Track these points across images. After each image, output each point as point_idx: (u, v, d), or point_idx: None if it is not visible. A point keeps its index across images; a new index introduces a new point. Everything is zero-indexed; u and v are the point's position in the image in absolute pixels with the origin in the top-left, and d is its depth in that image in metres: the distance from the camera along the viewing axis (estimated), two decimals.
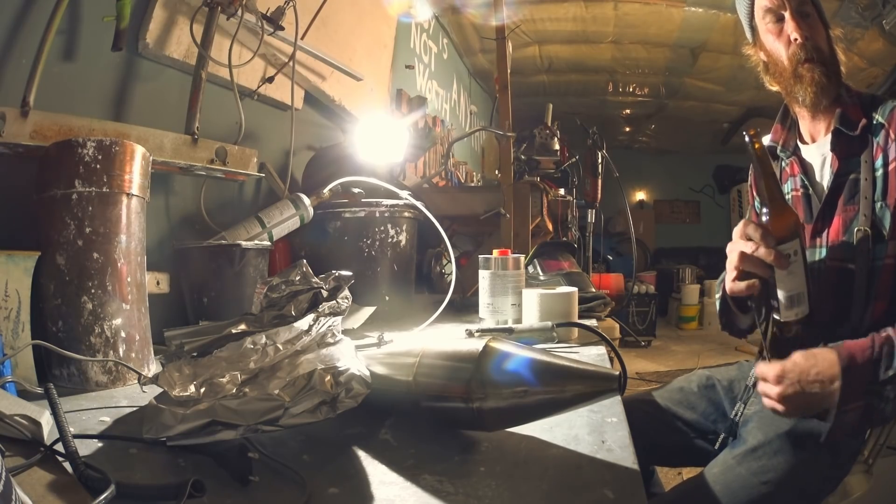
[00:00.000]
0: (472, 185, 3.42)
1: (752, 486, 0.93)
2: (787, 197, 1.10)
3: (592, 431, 0.66)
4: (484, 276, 1.32)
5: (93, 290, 0.84)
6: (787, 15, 1.01)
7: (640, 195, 9.06)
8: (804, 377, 0.85)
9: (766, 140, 1.13)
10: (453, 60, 4.36)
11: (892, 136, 0.95)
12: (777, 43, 1.04)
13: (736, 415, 1.08)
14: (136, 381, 0.85)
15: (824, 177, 1.04)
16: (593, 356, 1.06)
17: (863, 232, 0.95)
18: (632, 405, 1.16)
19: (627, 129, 7.64)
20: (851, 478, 0.99)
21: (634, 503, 0.51)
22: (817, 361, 0.85)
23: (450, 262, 1.39)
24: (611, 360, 1.09)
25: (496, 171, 2.72)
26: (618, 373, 0.57)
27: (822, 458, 0.96)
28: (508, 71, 2.17)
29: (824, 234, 1.02)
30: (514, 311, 1.30)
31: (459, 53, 4.55)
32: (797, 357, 0.87)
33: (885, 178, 0.95)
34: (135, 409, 0.76)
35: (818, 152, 1.06)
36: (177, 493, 0.48)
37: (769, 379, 0.88)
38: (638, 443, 0.65)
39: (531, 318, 1.21)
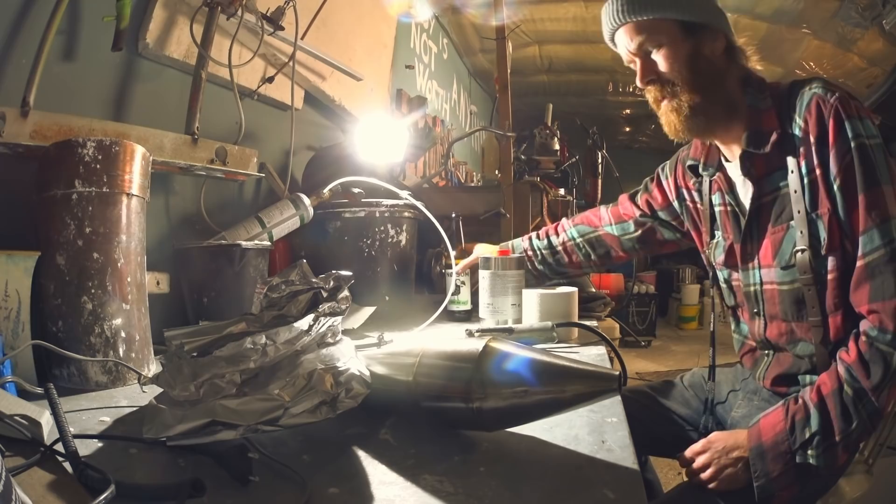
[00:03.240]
0: (472, 185, 3.42)
1: (748, 488, 0.92)
2: (716, 210, 1.06)
3: (592, 431, 0.66)
4: (484, 276, 1.32)
5: (93, 290, 0.84)
6: (637, 63, 0.98)
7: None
8: (721, 455, 0.90)
9: (689, 156, 1.11)
10: (453, 60, 4.35)
11: (812, 138, 0.87)
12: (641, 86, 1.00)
13: (727, 412, 1.09)
14: (136, 381, 0.85)
15: (747, 196, 0.99)
16: (593, 356, 1.06)
17: (801, 252, 0.89)
18: (629, 397, 1.16)
19: (627, 129, 7.64)
20: (851, 478, 0.99)
21: (634, 503, 0.51)
22: (736, 440, 0.89)
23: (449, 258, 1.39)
24: (611, 360, 1.09)
25: (496, 171, 2.72)
26: (618, 373, 0.57)
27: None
28: (508, 71, 2.18)
29: (755, 258, 0.99)
30: (514, 311, 1.30)
31: (459, 53, 4.55)
32: (718, 435, 0.92)
33: (812, 186, 0.88)
34: (135, 409, 0.76)
35: (737, 172, 1.00)
36: (177, 493, 0.48)
37: (694, 452, 0.93)
38: (634, 432, 0.66)
39: (531, 318, 1.21)
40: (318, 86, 1.84)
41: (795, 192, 0.90)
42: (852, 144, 0.84)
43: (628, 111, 6.82)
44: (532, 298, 1.21)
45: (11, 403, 0.64)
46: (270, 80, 1.53)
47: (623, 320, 4.43)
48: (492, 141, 4.16)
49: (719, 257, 1.07)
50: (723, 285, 1.09)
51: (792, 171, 0.90)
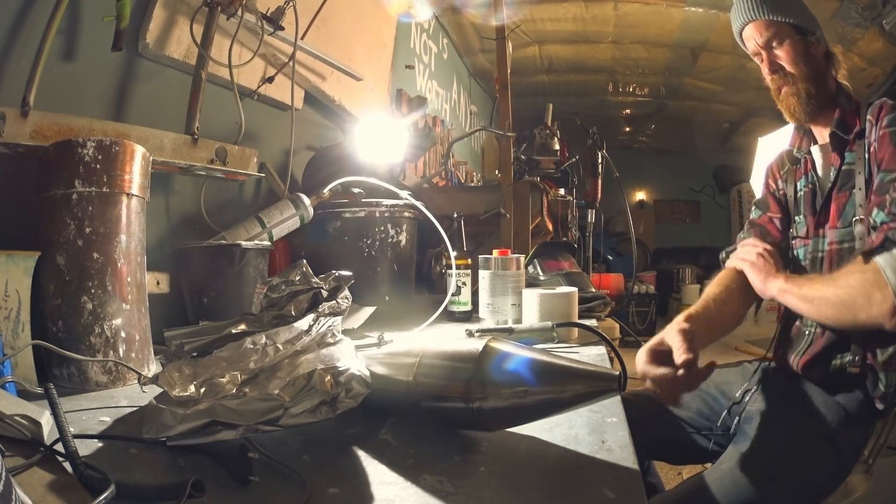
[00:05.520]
0: (472, 185, 3.41)
1: (756, 485, 0.93)
2: (798, 194, 1.20)
3: (592, 431, 0.66)
4: (484, 276, 1.32)
5: (93, 290, 0.84)
6: (763, 55, 1.15)
7: (640, 195, 9.05)
8: None
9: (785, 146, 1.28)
10: (453, 60, 4.35)
11: (874, 123, 1.04)
12: (766, 76, 1.18)
13: (736, 413, 1.09)
14: (136, 381, 0.85)
15: (829, 173, 1.13)
16: (593, 356, 1.06)
17: (860, 221, 1.02)
18: (630, 400, 1.16)
19: (627, 129, 7.64)
20: (852, 477, 0.99)
21: (634, 503, 0.51)
22: None
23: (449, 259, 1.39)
24: (611, 360, 1.09)
25: (496, 171, 2.72)
26: (618, 373, 0.57)
27: (827, 456, 0.97)
28: (508, 71, 2.17)
29: (826, 224, 1.11)
30: (514, 311, 1.30)
31: (459, 53, 4.55)
32: None
33: (870, 160, 1.04)
34: (135, 409, 0.76)
35: (823, 152, 1.16)
36: (177, 493, 0.48)
37: None
38: (636, 436, 0.66)
39: (531, 318, 1.21)
40: (318, 86, 1.84)
41: (860, 173, 1.06)
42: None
43: (628, 111, 6.82)
44: (532, 298, 1.21)
45: (11, 403, 0.63)
46: (270, 80, 1.53)
47: (623, 320, 4.41)
48: (492, 141, 4.15)
49: (801, 231, 1.18)
50: (803, 262, 1.16)
51: (859, 157, 1.07)
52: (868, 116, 1.08)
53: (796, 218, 1.20)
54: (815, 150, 1.18)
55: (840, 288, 0.92)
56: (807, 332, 1.09)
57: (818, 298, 0.95)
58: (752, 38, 1.16)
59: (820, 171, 1.17)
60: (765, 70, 1.17)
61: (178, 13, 1.26)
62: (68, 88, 1.06)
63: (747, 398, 1.11)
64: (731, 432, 1.09)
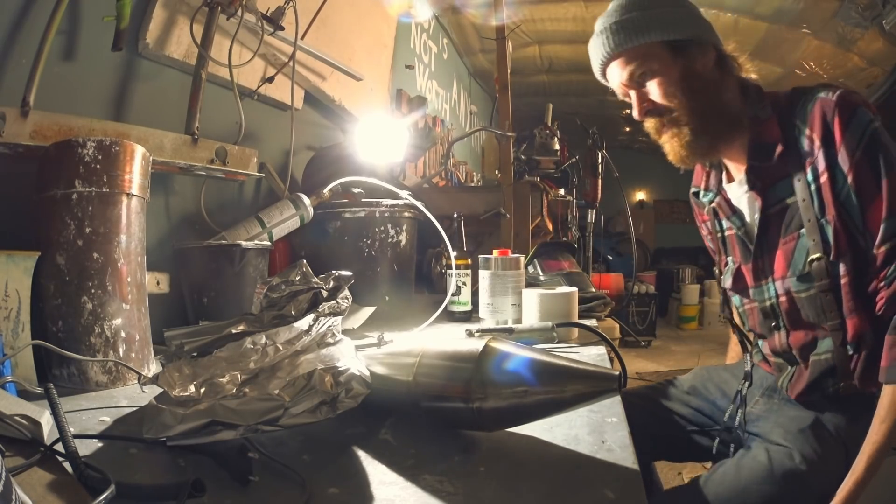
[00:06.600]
0: (472, 185, 3.41)
1: (762, 486, 0.91)
2: (724, 235, 1.06)
3: (592, 431, 0.66)
4: (484, 276, 1.32)
5: (93, 290, 0.84)
6: (633, 95, 0.96)
7: (640, 195, 9.05)
8: None
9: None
10: (453, 60, 4.35)
11: (817, 142, 0.86)
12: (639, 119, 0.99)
13: (734, 415, 1.08)
14: (136, 381, 0.85)
15: (755, 213, 0.97)
16: (593, 356, 1.06)
17: (817, 261, 0.88)
18: (628, 401, 1.15)
19: (627, 129, 7.63)
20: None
21: (634, 503, 0.51)
22: None
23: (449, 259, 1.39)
24: (611, 360, 1.09)
25: (496, 171, 2.72)
26: (618, 373, 0.57)
27: (835, 456, 0.92)
28: (508, 71, 2.17)
29: (769, 272, 0.97)
30: (514, 311, 1.30)
31: (459, 53, 4.54)
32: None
33: (819, 193, 0.87)
34: (135, 409, 0.76)
35: (741, 189, 0.99)
36: (177, 493, 0.48)
37: None
38: (637, 437, 0.66)
39: (531, 318, 1.21)
40: (318, 86, 1.84)
41: (804, 200, 0.89)
42: (867, 131, 0.83)
43: (628, 111, 6.78)
44: (532, 298, 1.21)
45: (11, 403, 0.63)
46: (270, 80, 1.53)
47: (623, 320, 4.43)
48: (492, 141, 4.16)
49: (727, 282, 1.07)
50: (739, 309, 1.08)
51: (798, 180, 0.89)
52: (806, 130, 0.87)
53: (727, 258, 1.07)
54: (732, 190, 0.99)
55: None
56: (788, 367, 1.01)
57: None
58: (615, 78, 0.96)
59: (746, 213, 0.99)
60: (636, 114, 0.97)
61: (178, 13, 1.26)
62: (68, 88, 1.06)
63: (755, 396, 1.08)
64: (734, 428, 1.07)
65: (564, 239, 2.48)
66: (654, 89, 0.93)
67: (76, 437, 0.60)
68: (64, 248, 0.84)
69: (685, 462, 1.71)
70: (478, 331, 1.14)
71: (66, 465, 0.55)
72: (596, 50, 0.97)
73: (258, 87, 1.52)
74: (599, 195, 3.18)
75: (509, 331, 1.15)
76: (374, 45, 2.35)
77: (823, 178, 0.86)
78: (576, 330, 1.17)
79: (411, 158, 2.44)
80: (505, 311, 1.30)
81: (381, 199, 1.45)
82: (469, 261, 1.42)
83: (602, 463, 0.58)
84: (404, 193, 1.44)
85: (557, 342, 1.13)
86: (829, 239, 0.88)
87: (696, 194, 1.10)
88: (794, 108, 0.90)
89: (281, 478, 0.56)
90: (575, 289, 1.26)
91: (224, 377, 0.65)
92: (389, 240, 1.45)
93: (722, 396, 1.16)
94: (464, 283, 1.39)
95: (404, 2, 2.69)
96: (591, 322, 1.29)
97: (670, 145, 0.95)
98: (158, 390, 0.70)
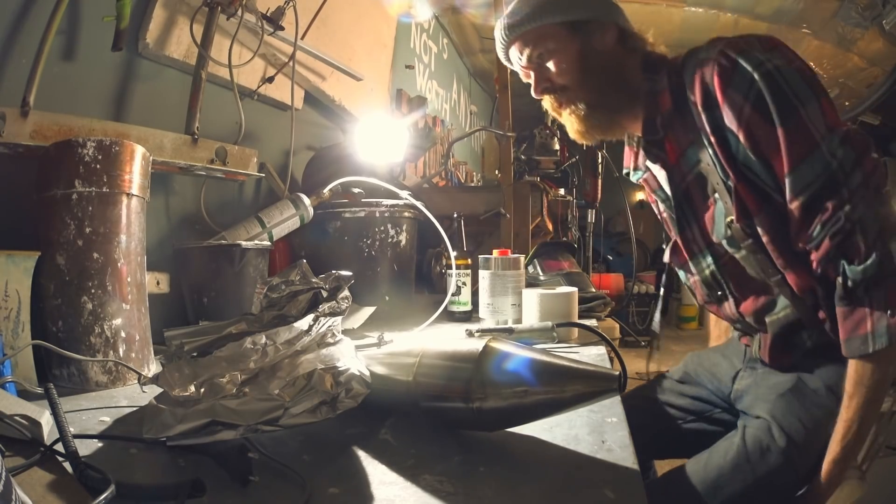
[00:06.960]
0: (472, 185, 3.41)
1: (736, 473, 0.89)
2: (661, 217, 1.06)
3: (592, 431, 0.66)
4: (484, 276, 1.32)
5: (93, 290, 0.84)
6: (531, 75, 0.98)
7: (640, 195, 9.04)
8: None
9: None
10: (453, 60, 4.35)
11: (700, 107, 0.83)
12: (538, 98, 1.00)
13: (729, 393, 1.05)
14: (136, 381, 0.85)
15: (667, 185, 0.97)
16: (593, 356, 1.06)
17: (733, 223, 0.86)
18: (629, 400, 1.15)
19: None
20: (844, 485, 0.96)
21: (634, 503, 0.51)
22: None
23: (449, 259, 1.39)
24: (611, 360, 1.09)
25: (496, 171, 2.72)
26: (618, 373, 0.57)
27: (822, 413, 0.88)
28: (508, 71, 2.17)
29: (700, 241, 0.96)
30: (514, 311, 1.30)
31: (459, 53, 4.54)
32: None
33: (718, 157, 0.84)
34: (135, 409, 0.76)
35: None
36: (177, 493, 0.48)
37: None
38: (636, 435, 0.65)
39: (531, 318, 1.21)
40: (318, 86, 1.84)
41: (708, 165, 0.87)
42: (754, 82, 0.77)
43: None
44: (532, 298, 1.21)
45: (11, 403, 0.63)
46: (270, 80, 1.53)
47: (623, 320, 4.43)
48: (492, 141, 4.16)
49: (667, 256, 1.07)
50: (686, 284, 1.07)
51: (701, 147, 0.88)
52: (691, 97, 0.85)
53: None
54: (655, 167, 0.99)
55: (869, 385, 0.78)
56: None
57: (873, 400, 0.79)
58: (516, 60, 0.98)
59: (666, 186, 0.98)
60: (533, 92, 0.98)
61: (178, 13, 1.26)
62: (68, 88, 1.06)
63: (741, 371, 1.05)
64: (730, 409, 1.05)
65: (564, 239, 2.48)
66: (551, 68, 0.95)
67: (76, 437, 0.60)
68: (64, 248, 0.84)
69: (687, 458, 1.70)
70: (478, 331, 1.14)
71: (66, 465, 0.55)
72: (497, 35, 0.99)
73: (258, 87, 1.52)
74: (599, 195, 3.19)
75: (509, 331, 1.15)
76: (374, 45, 2.35)
77: (713, 141, 0.84)
78: (576, 330, 1.17)
79: (411, 158, 2.44)
80: (505, 311, 1.30)
81: (381, 199, 1.45)
82: (469, 261, 1.42)
83: (602, 463, 0.58)
84: (404, 193, 1.44)
85: (557, 342, 1.13)
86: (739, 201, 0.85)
87: (627, 175, 1.10)
88: (684, 73, 0.88)
89: (281, 478, 0.56)
90: (575, 289, 1.26)
91: (224, 377, 0.65)
92: (389, 240, 1.45)
93: (713, 379, 1.15)
94: (464, 283, 1.40)
95: (404, 2, 2.69)
96: (591, 322, 1.29)
97: (569, 121, 0.97)
98: (158, 390, 0.70)
